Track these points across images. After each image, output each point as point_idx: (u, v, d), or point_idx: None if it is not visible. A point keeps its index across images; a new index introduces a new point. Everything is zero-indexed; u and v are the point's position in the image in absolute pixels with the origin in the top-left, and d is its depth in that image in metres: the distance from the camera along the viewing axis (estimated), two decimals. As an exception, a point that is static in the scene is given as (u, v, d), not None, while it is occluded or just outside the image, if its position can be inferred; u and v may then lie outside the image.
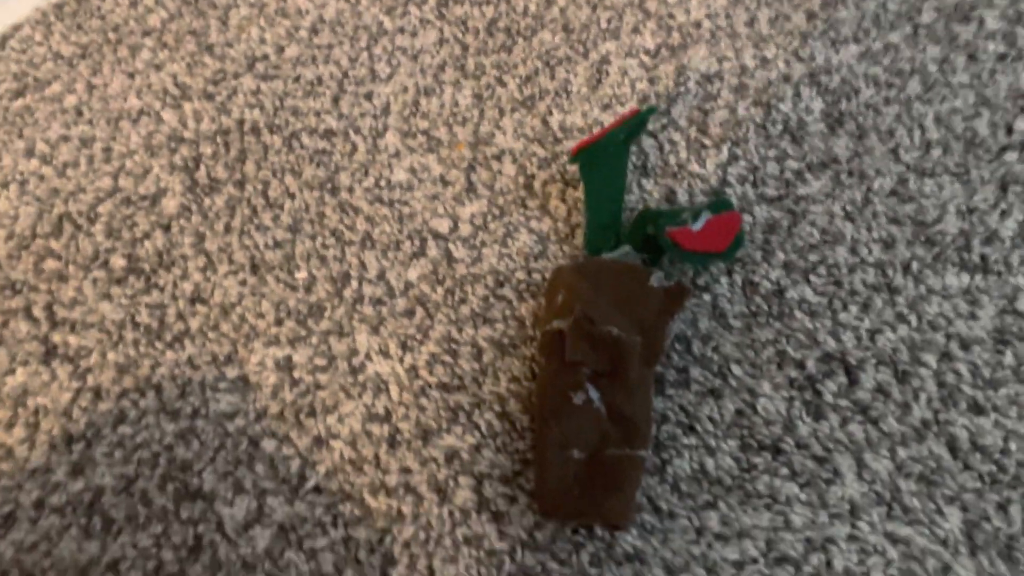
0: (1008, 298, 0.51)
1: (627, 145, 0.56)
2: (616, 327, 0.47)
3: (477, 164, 0.60)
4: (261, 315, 0.56)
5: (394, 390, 0.52)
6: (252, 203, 0.60)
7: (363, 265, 0.57)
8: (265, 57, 0.67)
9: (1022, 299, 0.50)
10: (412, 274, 0.57)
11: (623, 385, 0.47)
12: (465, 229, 0.58)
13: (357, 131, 0.63)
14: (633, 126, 0.56)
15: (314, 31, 0.68)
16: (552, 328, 0.48)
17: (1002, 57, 0.60)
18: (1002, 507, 0.45)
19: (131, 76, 0.67)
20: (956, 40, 0.60)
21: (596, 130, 0.60)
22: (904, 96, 0.58)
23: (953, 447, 0.47)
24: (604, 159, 0.55)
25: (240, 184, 0.61)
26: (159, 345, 0.56)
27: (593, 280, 0.49)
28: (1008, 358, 0.49)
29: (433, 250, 0.57)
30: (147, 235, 0.60)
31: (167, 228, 0.60)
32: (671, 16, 0.65)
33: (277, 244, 0.59)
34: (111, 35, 0.70)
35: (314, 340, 0.55)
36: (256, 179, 0.61)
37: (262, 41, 0.68)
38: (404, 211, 0.59)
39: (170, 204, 0.61)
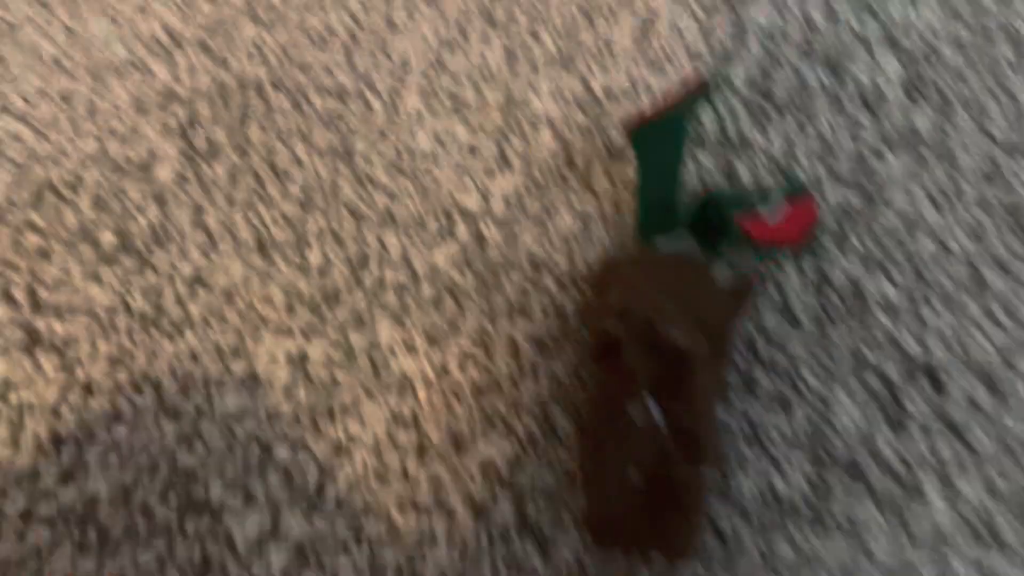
0: (1111, 297, 0.45)
1: (688, 122, 0.49)
2: (678, 331, 0.42)
3: (510, 131, 0.54)
4: (270, 301, 0.50)
5: (421, 391, 0.47)
6: (257, 172, 0.54)
7: (383, 246, 0.51)
8: (267, 0, 0.60)
9: None
10: (439, 257, 0.50)
11: (687, 396, 0.41)
12: (497, 207, 0.52)
13: (373, 89, 0.56)
14: (697, 100, 0.49)
15: (322, -28, 0.60)
16: (605, 330, 0.42)
17: (1101, 16, 0.53)
18: (1105, 537, 0.41)
19: (114, 21, 0.60)
20: (1052, -4, 0.54)
21: (648, 99, 0.53)
22: (989, 60, 0.52)
23: (1050, 467, 0.42)
24: (663, 137, 0.48)
25: (242, 150, 0.54)
26: (156, 334, 0.50)
27: (651, 276, 0.44)
28: (1111, 366, 0.44)
29: (462, 230, 0.51)
30: (139, 208, 0.53)
31: (161, 200, 0.53)
32: (726, -38, 0.58)
33: (286, 220, 0.52)
34: (92, -27, 0.62)
35: (330, 331, 0.49)
36: (261, 144, 0.55)
37: (263, -17, 0.60)
38: (428, 184, 0.53)
39: (164, 172, 0.54)
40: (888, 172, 0.49)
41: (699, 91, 0.49)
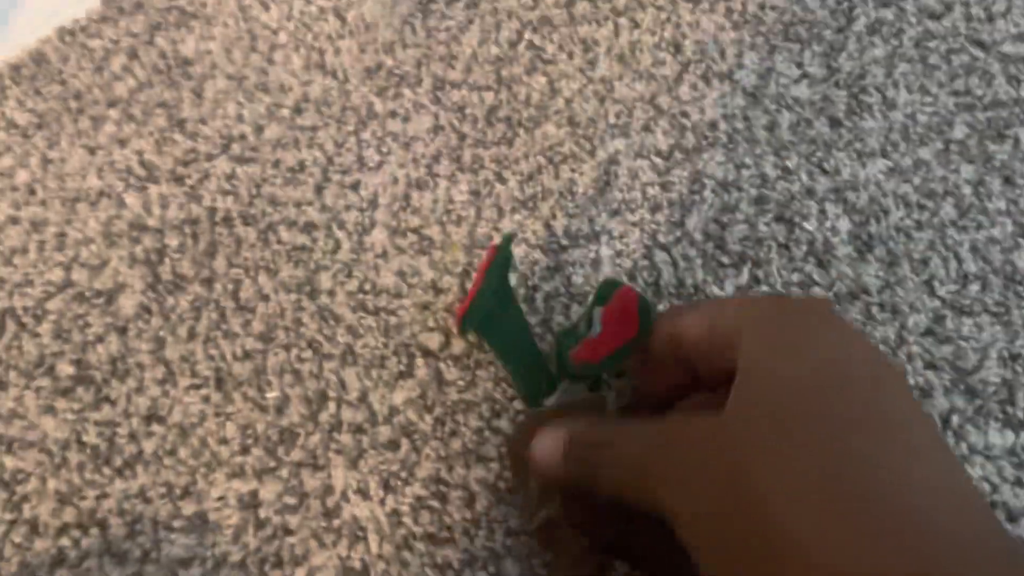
0: (1055, 458, 0.46)
1: (507, 282, 0.50)
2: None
3: (473, 270, 0.55)
4: (225, 440, 0.50)
5: (373, 540, 0.46)
6: (220, 305, 0.54)
7: (343, 384, 0.51)
8: (242, 137, 0.61)
9: (1070, 460, 0.46)
10: (398, 398, 0.51)
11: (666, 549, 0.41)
12: (458, 346, 0.52)
13: (341, 226, 0.57)
14: (502, 264, 0.50)
15: (297, 110, 0.62)
16: (541, 521, 0.42)
17: (1038, 179, 0.56)
18: None
19: (92, 152, 0.61)
20: (991, 161, 0.57)
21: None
22: (937, 221, 0.54)
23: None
24: (494, 308, 0.49)
25: (208, 282, 0.55)
26: (107, 471, 0.49)
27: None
28: (1058, 530, 0.44)
29: (422, 370, 0.52)
30: (100, 338, 0.53)
31: (123, 331, 0.54)
32: (684, 114, 0.61)
33: (247, 355, 0.53)
34: (72, 103, 0.63)
35: (284, 473, 0.49)
36: (226, 277, 0.55)
37: (240, 119, 0.62)
38: (391, 321, 0.53)
39: (128, 303, 0.54)
40: (838, 327, 0.51)
41: (499, 253, 0.50)
